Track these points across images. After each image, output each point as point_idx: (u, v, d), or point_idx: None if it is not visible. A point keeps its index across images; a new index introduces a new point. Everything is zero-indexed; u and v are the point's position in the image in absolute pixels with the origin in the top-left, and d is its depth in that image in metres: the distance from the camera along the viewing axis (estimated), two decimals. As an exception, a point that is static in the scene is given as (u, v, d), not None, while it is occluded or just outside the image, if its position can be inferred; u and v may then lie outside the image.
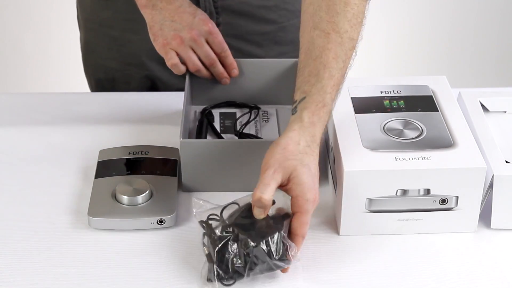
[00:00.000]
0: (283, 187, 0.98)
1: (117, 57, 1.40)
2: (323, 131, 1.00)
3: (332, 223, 1.07)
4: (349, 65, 1.02)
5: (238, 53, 1.30)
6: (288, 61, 1.27)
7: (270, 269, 0.96)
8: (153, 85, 1.43)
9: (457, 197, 1.03)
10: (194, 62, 1.22)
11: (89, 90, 1.51)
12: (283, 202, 1.00)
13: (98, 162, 1.15)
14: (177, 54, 1.23)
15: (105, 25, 1.39)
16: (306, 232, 0.98)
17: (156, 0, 1.22)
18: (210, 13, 1.32)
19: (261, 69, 1.27)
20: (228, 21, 1.35)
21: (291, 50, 1.39)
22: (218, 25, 1.32)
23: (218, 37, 1.23)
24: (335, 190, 1.07)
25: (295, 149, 0.97)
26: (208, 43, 1.23)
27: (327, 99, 1.00)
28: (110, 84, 1.44)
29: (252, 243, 0.95)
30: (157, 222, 1.05)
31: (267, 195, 0.94)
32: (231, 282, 0.96)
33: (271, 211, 0.99)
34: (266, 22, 1.37)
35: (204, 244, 0.98)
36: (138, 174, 1.12)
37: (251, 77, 1.28)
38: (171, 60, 1.22)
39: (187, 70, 1.24)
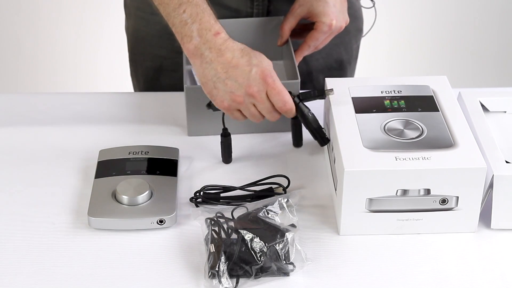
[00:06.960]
0: (308, 18, 1.27)
1: (167, 45, 1.40)
2: None
3: (332, 223, 1.07)
4: None
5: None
6: (274, 19, 1.34)
7: (278, 271, 0.97)
8: None
9: (457, 197, 1.03)
10: (257, 118, 1.15)
11: (89, 90, 1.51)
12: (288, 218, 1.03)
13: (98, 162, 1.15)
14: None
15: (157, 13, 1.38)
16: (314, 45, 1.26)
17: (205, 49, 1.10)
18: (262, 1, 1.35)
19: (248, 28, 1.34)
20: (278, 9, 1.37)
21: (338, 34, 1.39)
22: (268, 13, 1.36)
23: (276, 89, 1.11)
24: (335, 190, 1.07)
25: None
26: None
27: None
28: (156, 73, 1.45)
29: (263, 244, 0.96)
30: (157, 222, 1.05)
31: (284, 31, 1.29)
32: (235, 280, 0.96)
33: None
34: None
35: (209, 241, 0.98)
36: (138, 174, 1.12)
37: (238, 36, 1.29)
38: (238, 119, 1.16)
39: None
